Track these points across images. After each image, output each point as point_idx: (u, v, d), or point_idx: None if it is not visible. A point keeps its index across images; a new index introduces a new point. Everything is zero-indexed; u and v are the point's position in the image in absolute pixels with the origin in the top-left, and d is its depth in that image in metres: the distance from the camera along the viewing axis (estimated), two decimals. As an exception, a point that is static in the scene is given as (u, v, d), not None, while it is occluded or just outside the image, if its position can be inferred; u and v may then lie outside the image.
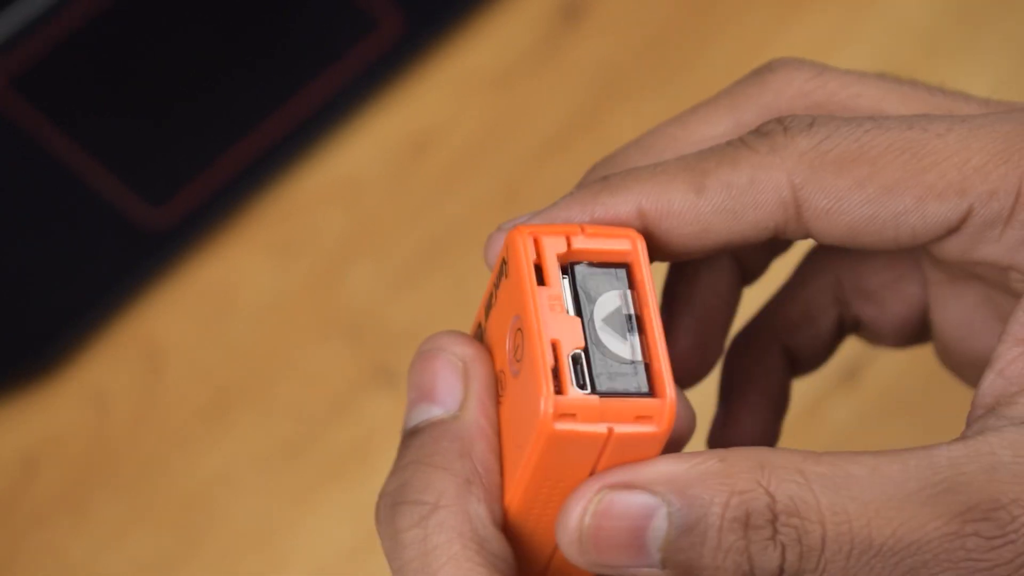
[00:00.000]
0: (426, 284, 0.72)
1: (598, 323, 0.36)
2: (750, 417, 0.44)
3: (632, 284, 0.37)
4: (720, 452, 0.35)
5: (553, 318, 0.36)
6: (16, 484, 0.68)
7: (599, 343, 0.36)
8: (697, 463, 0.35)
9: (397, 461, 0.37)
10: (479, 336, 0.40)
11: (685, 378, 0.42)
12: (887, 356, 0.69)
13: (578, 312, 0.36)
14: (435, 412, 0.37)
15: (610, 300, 0.36)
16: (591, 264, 0.37)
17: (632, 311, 0.36)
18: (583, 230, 0.37)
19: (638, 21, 0.77)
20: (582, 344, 0.36)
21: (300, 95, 0.75)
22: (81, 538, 0.67)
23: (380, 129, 0.75)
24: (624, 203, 0.37)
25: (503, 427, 0.38)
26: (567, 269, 0.37)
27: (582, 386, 0.35)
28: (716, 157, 0.37)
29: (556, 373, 0.35)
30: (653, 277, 0.37)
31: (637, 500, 0.35)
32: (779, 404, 0.45)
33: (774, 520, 0.34)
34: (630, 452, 0.35)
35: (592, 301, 0.36)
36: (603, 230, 0.37)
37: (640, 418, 0.35)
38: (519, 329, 0.36)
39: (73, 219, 0.73)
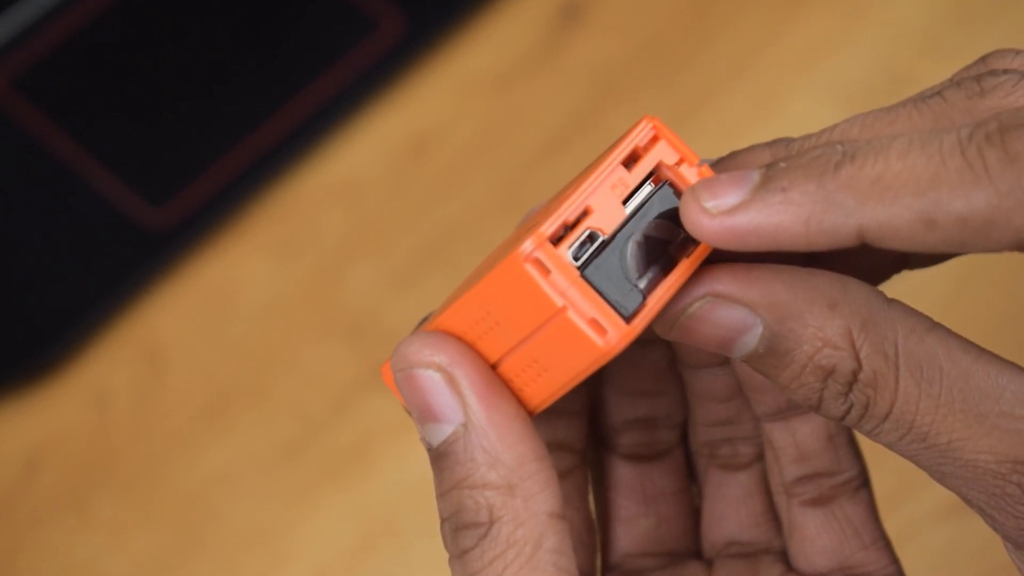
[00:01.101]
0: (426, 284, 0.72)
1: (637, 235, 0.35)
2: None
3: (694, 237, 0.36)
4: (834, 290, 0.35)
5: (606, 194, 0.35)
6: (17, 483, 0.69)
7: (623, 247, 0.35)
8: (808, 298, 0.35)
9: (440, 485, 0.37)
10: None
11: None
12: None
13: (634, 212, 0.35)
14: (446, 430, 0.36)
15: (664, 229, 0.36)
16: (679, 194, 0.36)
17: (674, 253, 0.36)
18: (701, 167, 0.36)
19: (637, 22, 0.77)
20: (608, 233, 0.35)
21: (301, 96, 0.75)
22: (82, 537, 0.68)
23: (380, 130, 0.75)
24: (845, 226, 0.33)
25: (502, 249, 0.37)
26: (660, 184, 0.36)
27: (577, 258, 0.35)
28: (950, 179, 0.32)
29: (567, 230, 0.35)
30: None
31: (736, 315, 0.35)
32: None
33: (852, 382, 0.35)
34: (567, 345, 0.34)
35: (649, 216, 0.36)
36: None
37: (595, 323, 0.34)
38: (578, 183, 0.36)
39: (74, 219, 0.73)
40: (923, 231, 0.32)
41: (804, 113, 0.75)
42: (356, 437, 0.69)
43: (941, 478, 0.35)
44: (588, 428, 0.45)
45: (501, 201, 0.74)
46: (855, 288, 0.35)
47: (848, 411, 0.35)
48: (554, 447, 0.44)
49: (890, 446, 0.35)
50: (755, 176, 0.34)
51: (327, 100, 0.75)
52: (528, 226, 0.37)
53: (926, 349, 0.35)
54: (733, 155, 0.38)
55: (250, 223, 0.73)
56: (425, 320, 0.40)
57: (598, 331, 0.34)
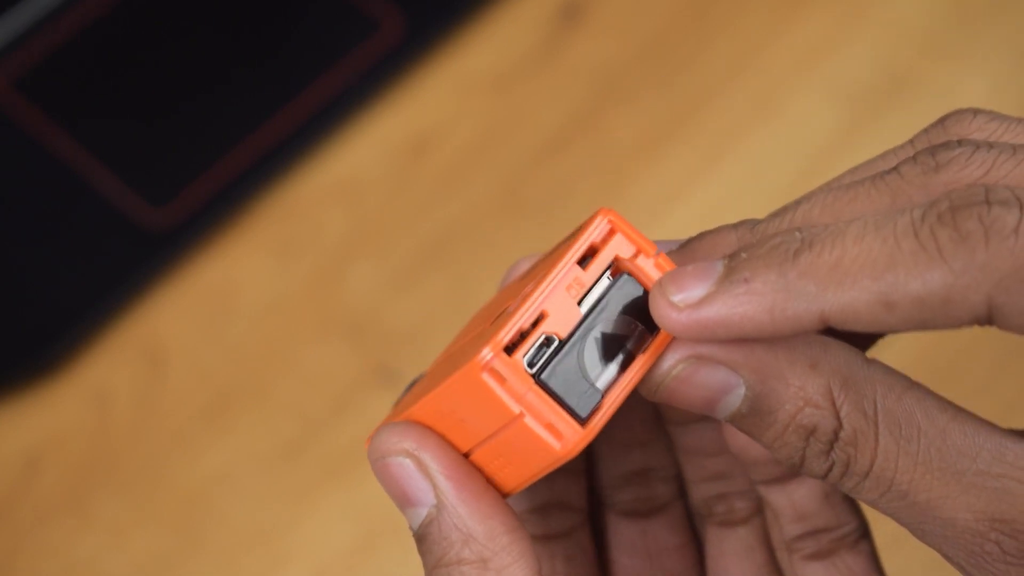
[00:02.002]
0: (425, 284, 0.72)
1: (595, 332, 0.36)
2: None
3: (656, 331, 0.36)
4: (814, 350, 0.35)
5: (561, 297, 0.36)
6: (18, 483, 0.69)
7: (580, 347, 0.36)
8: (788, 359, 0.35)
9: (425, 565, 0.38)
10: (535, 266, 0.39)
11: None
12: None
13: (591, 311, 0.36)
14: (422, 513, 0.38)
15: (623, 324, 0.36)
16: (638, 285, 0.37)
17: (631, 348, 0.36)
18: (658, 257, 0.37)
19: (637, 23, 0.77)
20: (564, 335, 0.36)
21: (302, 97, 0.75)
22: (82, 537, 0.68)
23: (381, 130, 0.75)
24: (808, 312, 0.34)
25: (474, 338, 0.38)
26: (618, 276, 0.37)
27: (532, 364, 0.35)
28: (905, 261, 0.33)
29: (522, 336, 0.35)
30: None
31: (719, 376, 0.35)
32: None
33: (833, 441, 0.35)
34: (527, 448, 0.36)
35: (607, 311, 0.36)
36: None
37: (551, 428, 0.35)
38: (536, 285, 0.36)
39: (76, 220, 0.73)
40: (883, 313, 0.33)
41: (804, 113, 0.75)
42: (356, 436, 0.69)
43: (922, 536, 0.36)
44: (589, 486, 0.45)
45: (501, 201, 0.74)
46: (834, 348, 0.36)
47: (830, 469, 0.36)
48: (554, 506, 0.44)
49: (872, 504, 0.36)
50: (719, 267, 0.35)
51: (328, 100, 0.75)
52: (499, 312, 0.38)
53: (904, 408, 0.35)
54: (701, 236, 0.39)
55: (250, 223, 0.74)
56: (415, 383, 0.42)
57: (555, 435, 0.35)
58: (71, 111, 0.75)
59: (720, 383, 0.35)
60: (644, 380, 0.36)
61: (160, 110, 0.75)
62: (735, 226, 0.38)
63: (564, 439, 0.35)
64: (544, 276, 0.36)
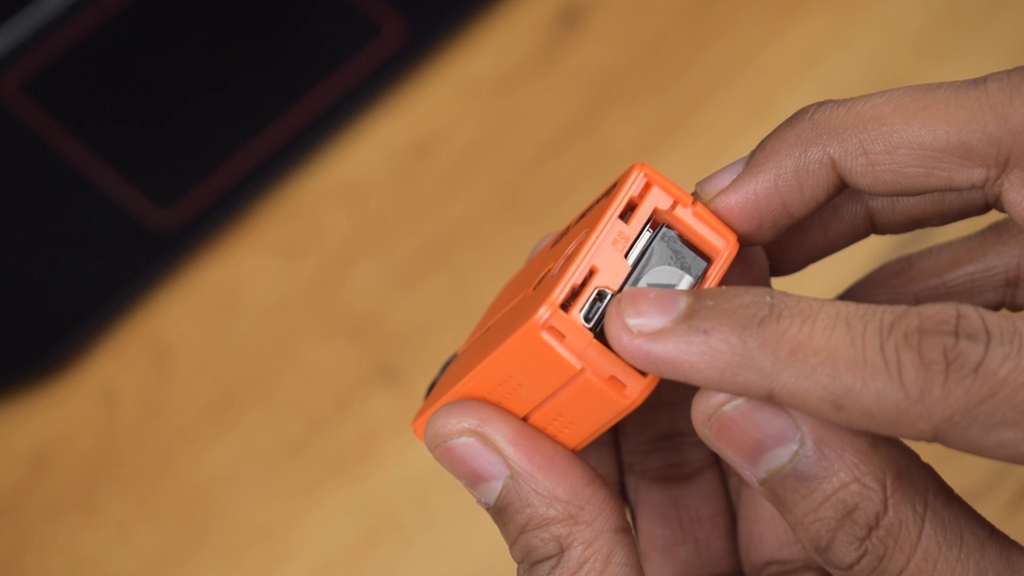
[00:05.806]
0: (427, 284, 0.72)
1: (642, 283, 0.36)
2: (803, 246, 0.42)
3: (700, 278, 0.37)
4: (875, 435, 0.34)
5: (608, 251, 0.36)
6: (27, 480, 0.69)
7: None
8: (851, 433, 0.34)
9: (507, 537, 0.37)
10: (563, 234, 0.39)
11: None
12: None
13: (635, 264, 0.36)
14: (496, 487, 0.37)
15: (669, 274, 0.36)
16: (679, 237, 0.37)
17: None
18: (695, 206, 0.37)
19: (635, 27, 0.78)
20: (615, 288, 0.36)
21: (305, 100, 0.76)
22: (90, 533, 0.68)
23: (383, 133, 0.76)
24: (758, 385, 0.34)
25: (516, 305, 0.38)
26: (658, 228, 0.37)
27: (588, 319, 0.35)
28: (864, 371, 0.33)
29: (576, 293, 0.36)
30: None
31: (779, 422, 0.34)
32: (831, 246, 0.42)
33: (873, 528, 0.34)
34: (590, 403, 0.36)
35: (652, 264, 0.36)
36: (711, 218, 0.37)
37: (613, 380, 0.35)
38: (581, 243, 0.37)
39: (82, 220, 0.73)
40: (831, 411, 0.33)
41: (801, 115, 0.76)
42: (359, 434, 0.69)
43: None
44: (619, 459, 0.45)
45: (502, 202, 0.74)
46: (892, 439, 0.34)
47: (859, 560, 0.34)
48: None
49: None
50: (681, 304, 0.34)
51: (331, 103, 0.75)
52: (538, 277, 0.38)
53: (951, 512, 0.34)
54: (763, 145, 0.38)
55: (255, 224, 0.74)
56: (451, 361, 0.41)
57: (617, 387, 0.35)
58: (78, 114, 0.75)
59: (778, 430, 0.34)
60: (698, 406, 0.35)
61: (165, 113, 0.76)
62: (791, 121, 0.37)
63: (627, 390, 0.35)
64: (588, 233, 0.36)
